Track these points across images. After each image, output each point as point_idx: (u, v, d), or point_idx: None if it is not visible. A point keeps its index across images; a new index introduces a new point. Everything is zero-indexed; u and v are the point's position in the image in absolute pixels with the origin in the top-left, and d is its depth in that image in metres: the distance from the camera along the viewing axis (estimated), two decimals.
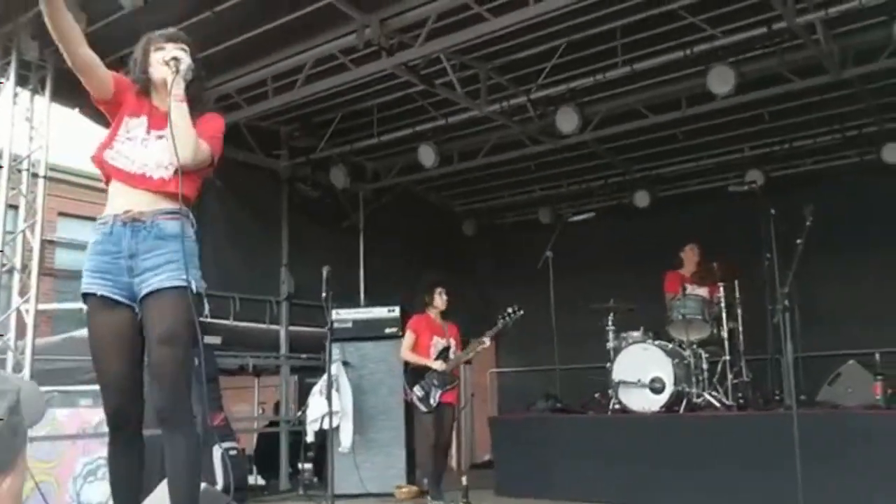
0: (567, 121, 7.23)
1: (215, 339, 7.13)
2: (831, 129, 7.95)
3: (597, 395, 7.07)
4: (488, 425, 7.53)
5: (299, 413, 7.93)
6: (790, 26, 5.83)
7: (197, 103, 2.92)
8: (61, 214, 13.68)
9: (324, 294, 5.67)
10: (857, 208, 7.96)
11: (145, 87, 2.90)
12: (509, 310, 6.30)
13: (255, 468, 8.59)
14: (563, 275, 7.57)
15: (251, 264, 8.02)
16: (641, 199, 9.36)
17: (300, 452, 7.60)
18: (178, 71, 2.81)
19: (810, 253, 5.16)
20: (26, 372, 5.45)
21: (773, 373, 6.80)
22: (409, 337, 6.42)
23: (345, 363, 7.14)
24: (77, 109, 6.33)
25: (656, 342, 6.44)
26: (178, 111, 2.78)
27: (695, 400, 6.25)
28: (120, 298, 2.75)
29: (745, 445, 5.53)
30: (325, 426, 6.45)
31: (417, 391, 6.24)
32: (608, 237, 9.22)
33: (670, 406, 6.15)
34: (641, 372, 6.25)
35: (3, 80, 5.89)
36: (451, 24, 5.84)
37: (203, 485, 2.91)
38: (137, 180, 2.78)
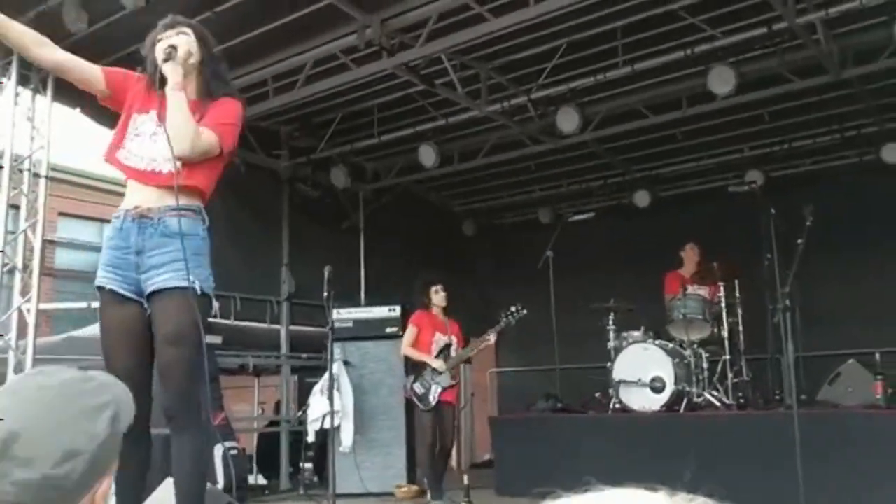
0: (567, 121, 7.24)
1: (216, 339, 7.14)
2: (831, 130, 7.96)
3: (597, 395, 7.07)
4: (488, 425, 7.54)
5: (300, 413, 7.94)
6: (790, 26, 5.84)
7: (210, 86, 2.85)
8: (61, 214, 13.69)
9: (325, 294, 5.68)
10: (856, 208, 7.97)
11: (155, 80, 2.86)
12: (512, 308, 6.30)
13: (256, 468, 8.60)
14: (563, 275, 7.58)
15: (252, 264, 8.03)
16: (641, 198, 9.37)
17: (301, 452, 7.61)
18: (169, 58, 2.75)
19: (810, 253, 5.16)
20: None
21: (773, 372, 6.81)
22: (410, 332, 6.40)
23: (346, 363, 7.14)
24: (78, 109, 6.34)
25: (657, 342, 6.45)
26: (173, 100, 2.72)
27: (695, 399, 6.26)
28: (129, 294, 2.75)
29: (745, 445, 5.54)
30: (326, 426, 6.46)
31: (417, 389, 6.24)
32: (608, 237, 9.23)
33: (671, 405, 6.15)
34: (642, 371, 6.26)
35: (4, 79, 5.90)
36: (451, 24, 5.85)
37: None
38: (148, 177, 2.77)
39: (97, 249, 13.87)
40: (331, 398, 6.01)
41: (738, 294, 6.77)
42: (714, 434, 5.80)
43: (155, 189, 2.76)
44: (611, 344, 6.78)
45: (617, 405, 6.39)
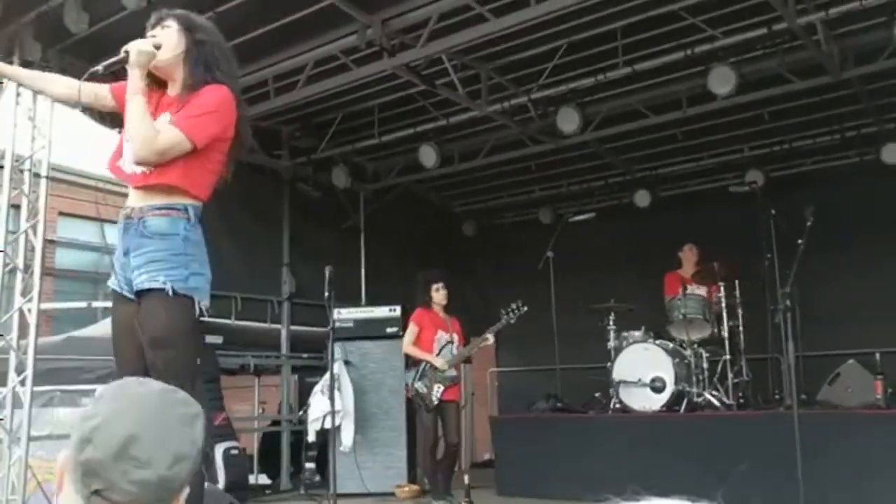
0: (568, 121, 7.25)
1: (216, 339, 7.14)
2: (831, 130, 7.95)
3: (597, 395, 7.08)
4: (489, 425, 7.55)
5: (300, 412, 7.95)
6: (791, 27, 5.85)
7: (193, 76, 2.80)
8: (62, 214, 13.68)
9: (326, 294, 5.69)
10: (856, 209, 7.97)
11: (152, 80, 2.86)
12: (513, 305, 6.31)
13: (259, 467, 8.61)
14: (563, 275, 7.59)
15: (252, 264, 8.04)
16: (642, 199, 9.37)
17: (302, 452, 7.61)
18: (126, 61, 2.72)
19: (810, 253, 5.17)
20: (29, 372, 5.46)
21: (773, 372, 6.82)
22: (411, 330, 6.39)
23: (346, 362, 7.15)
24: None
25: (657, 342, 6.46)
26: (129, 107, 2.70)
27: (695, 399, 6.27)
28: (127, 294, 2.79)
29: (745, 445, 5.54)
30: (327, 425, 6.47)
31: (420, 388, 6.24)
32: (609, 237, 9.23)
33: (671, 405, 6.16)
34: (642, 371, 6.27)
35: (5, 80, 5.90)
36: (452, 24, 5.85)
37: (206, 484, 2.92)
38: (132, 179, 2.79)
39: (97, 249, 13.90)
40: (331, 398, 6.02)
41: (738, 294, 6.78)
42: (714, 434, 5.80)
43: (137, 191, 2.78)
44: (611, 344, 6.79)
45: (617, 405, 6.40)
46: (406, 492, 6.77)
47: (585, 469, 6.08)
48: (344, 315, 7.20)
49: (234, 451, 6.55)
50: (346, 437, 6.91)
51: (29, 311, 5.61)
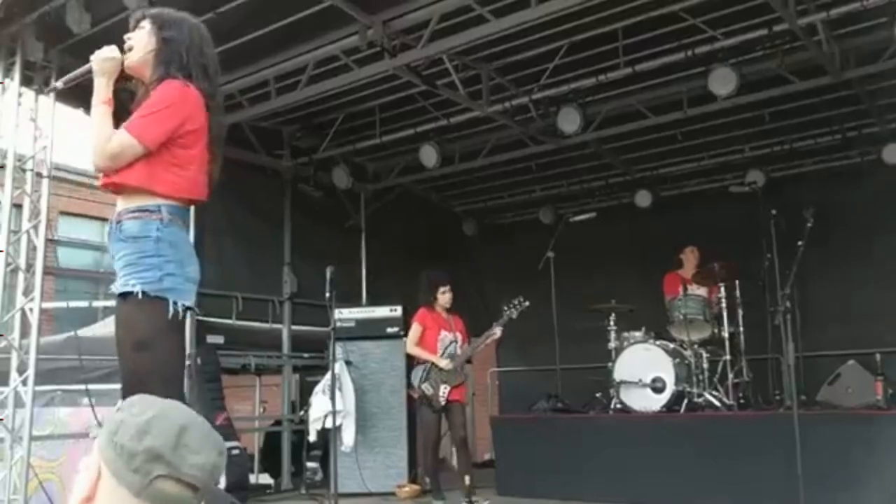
0: (569, 121, 7.25)
1: (218, 339, 7.15)
2: (832, 130, 7.96)
3: (598, 395, 7.09)
4: (489, 425, 7.56)
5: (301, 412, 7.95)
6: (791, 28, 5.85)
7: (154, 76, 2.76)
8: (63, 213, 13.70)
9: (327, 294, 5.70)
10: (857, 209, 7.98)
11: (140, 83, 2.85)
12: (515, 301, 6.30)
13: (260, 467, 8.62)
14: (564, 275, 7.59)
15: (254, 264, 8.05)
16: (643, 199, 9.38)
17: (303, 451, 7.62)
18: (90, 72, 2.73)
19: (810, 253, 5.19)
20: (30, 371, 5.48)
21: (773, 373, 6.83)
22: (415, 330, 6.38)
23: (347, 362, 7.16)
24: (81, 109, 6.35)
25: (657, 342, 6.47)
26: (91, 114, 2.71)
27: (695, 400, 6.27)
28: None
29: (745, 445, 5.55)
30: (328, 425, 6.47)
31: (426, 389, 6.22)
32: (609, 237, 9.23)
33: (671, 406, 6.17)
34: (642, 372, 6.28)
35: (7, 80, 5.91)
36: (453, 25, 5.86)
37: None
38: (103, 184, 2.79)
39: (98, 248, 13.92)
40: (332, 398, 6.03)
41: (738, 294, 6.78)
42: (714, 434, 5.81)
43: (118, 196, 2.77)
44: (611, 344, 6.80)
45: (617, 405, 6.41)
46: (407, 491, 6.78)
47: (586, 469, 6.09)
48: (345, 315, 7.21)
49: (235, 451, 6.56)
50: (348, 436, 6.91)
51: (31, 310, 5.63)
